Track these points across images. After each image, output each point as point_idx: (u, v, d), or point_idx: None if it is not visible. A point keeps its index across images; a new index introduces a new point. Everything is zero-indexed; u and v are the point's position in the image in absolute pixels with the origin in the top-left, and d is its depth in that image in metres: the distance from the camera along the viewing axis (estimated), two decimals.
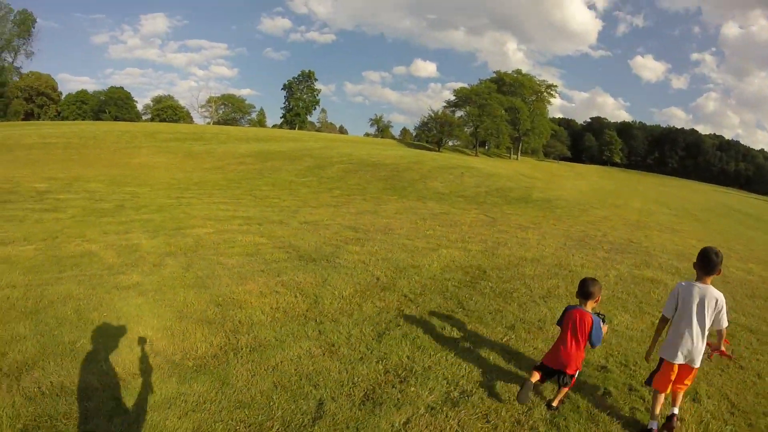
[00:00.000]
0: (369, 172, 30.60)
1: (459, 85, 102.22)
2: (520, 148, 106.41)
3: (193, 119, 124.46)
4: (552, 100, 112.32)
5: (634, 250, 14.26)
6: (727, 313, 4.66)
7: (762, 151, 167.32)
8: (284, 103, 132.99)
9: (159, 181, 22.66)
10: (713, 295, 4.58)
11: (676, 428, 4.80)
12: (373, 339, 6.40)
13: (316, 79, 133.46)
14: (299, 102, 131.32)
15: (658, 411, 4.82)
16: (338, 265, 9.52)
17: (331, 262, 9.76)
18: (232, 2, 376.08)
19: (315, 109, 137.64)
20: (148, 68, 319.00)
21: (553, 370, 5.09)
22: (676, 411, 4.93)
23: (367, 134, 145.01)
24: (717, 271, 4.60)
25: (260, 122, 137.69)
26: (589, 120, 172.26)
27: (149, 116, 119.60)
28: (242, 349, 5.87)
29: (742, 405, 5.65)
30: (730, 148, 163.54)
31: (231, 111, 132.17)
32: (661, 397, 4.85)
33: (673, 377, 4.78)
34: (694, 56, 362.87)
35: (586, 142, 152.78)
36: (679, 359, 4.69)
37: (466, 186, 27.98)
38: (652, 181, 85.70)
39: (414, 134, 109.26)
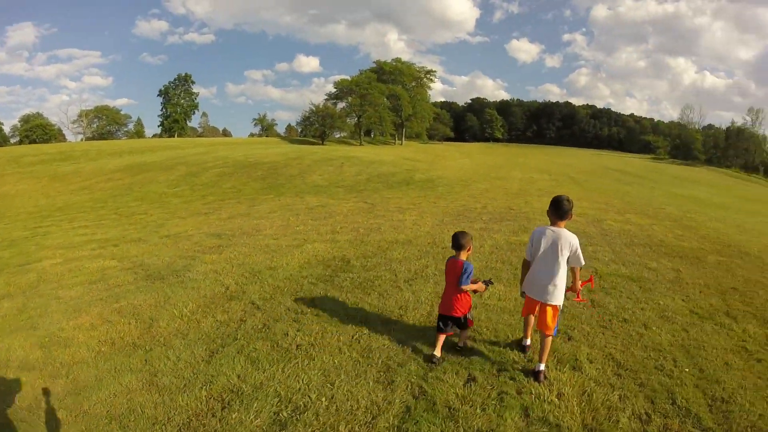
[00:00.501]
0: (246, 173, 29.21)
1: (342, 77, 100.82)
2: (403, 133, 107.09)
3: (66, 137, 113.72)
4: (432, 84, 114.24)
5: (513, 217, 14.11)
6: (582, 252, 4.95)
7: (632, 115, 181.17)
8: (161, 110, 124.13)
9: (19, 212, 20.61)
10: (566, 238, 4.88)
11: (541, 381, 4.88)
12: (203, 360, 5.44)
13: (193, 82, 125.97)
14: (177, 108, 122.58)
15: (530, 331, 5.37)
16: (187, 280, 8.40)
17: (180, 276, 8.62)
18: (105, 6, 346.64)
19: (194, 113, 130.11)
20: (15, 85, 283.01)
21: (446, 317, 5.40)
22: (542, 368, 4.98)
23: (251, 135, 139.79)
24: (568, 216, 4.96)
25: (138, 133, 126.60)
26: (470, 101, 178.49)
27: (18, 138, 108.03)
28: (58, 395, 4.92)
29: (630, 363, 5.23)
30: (603, 115, 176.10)
31: (106, 124, 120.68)
32: (531, 319, 5.36)
33: (531, 308, 5.18)
34: (566, 37, 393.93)
35: (468, 122, 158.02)
36: (535, 294, 5.06)
37: (346, 176, 27.36)
38: (533, 152, 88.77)
39: (299, 130, 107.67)
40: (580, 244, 4.95)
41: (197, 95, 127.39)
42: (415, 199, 18.51)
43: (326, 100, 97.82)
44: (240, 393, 4.73)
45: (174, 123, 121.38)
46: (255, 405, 4.51)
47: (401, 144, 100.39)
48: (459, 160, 51.72)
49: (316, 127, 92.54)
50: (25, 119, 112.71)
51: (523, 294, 5.32)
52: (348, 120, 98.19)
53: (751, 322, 6.74)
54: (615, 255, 10.11)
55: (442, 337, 5.39)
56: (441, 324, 5.43)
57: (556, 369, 5.07)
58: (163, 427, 4.25)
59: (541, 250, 4.96)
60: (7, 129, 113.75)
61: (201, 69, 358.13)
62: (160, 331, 6.32)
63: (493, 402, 4.53)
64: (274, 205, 18.33)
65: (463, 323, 5.41)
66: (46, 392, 4.95)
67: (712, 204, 26.47)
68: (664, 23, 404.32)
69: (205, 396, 4.70)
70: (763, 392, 4.80)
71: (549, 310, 4.94)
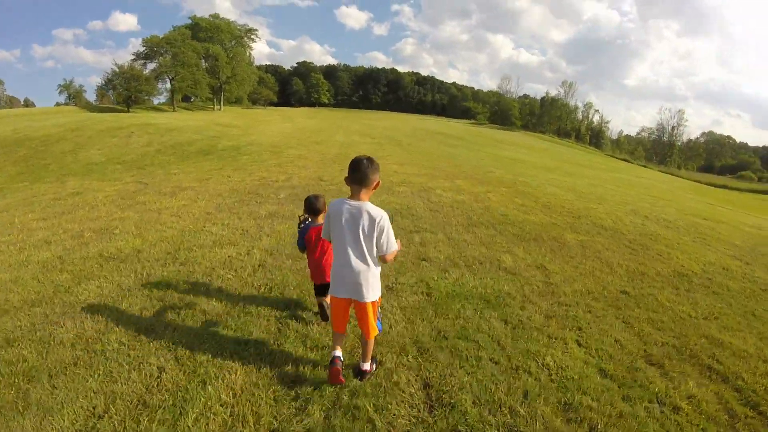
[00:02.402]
0: (4, 154, 22.82)
1: (153, 35, 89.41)
2: (222, 97, 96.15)
3: None
4: (255, 45, 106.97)
5: (323, 190, 10.85)
6: (393, 234, 3.68)
7: (454, 83, 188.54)
8: None
9: None
10: (370, 213, 3.59)
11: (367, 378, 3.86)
12: None
13: None
14: None
15: (339, 344, 3.94)
16: None
17: None
18: None
19: None
20: None
21: (323, 286, 4.69)
22: (366, 367, 3.92)
23: (57, 104, 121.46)
24: (372, 183, 3.65)
25: None
26: (296, 65, 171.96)
27: None
28: None
29: None
30: (427, 82, 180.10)
31: None
32: (339, 333, 3.97)
33: (344, 314, 3.89)
34: (394, 7, 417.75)
35: (294, 87, 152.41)
36: (341, 292, 3.78)
37: (133, 148, 22.53)
38: (358, 116, 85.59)
39: (111, 96, 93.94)
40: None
41: None
42: (206, 173, 14.58)
43: (133, 60, 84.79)
44: None
45: None
46: None
47: (219, 109, 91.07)
48: (279, 124, 47.10)
49: (119, 91, 78.60)
50: None
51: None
52: (159, 84, 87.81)
53: (688, 372, 4.36)
54: (453, 247, 7.19)
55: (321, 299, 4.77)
56: (319, 292, 4.77)
57: None
58: None
59: (340, 232, 3.67)
60: None
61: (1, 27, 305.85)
62: None
63: None
64: (16, 198, 13.22)
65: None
66: None
67: (537, 166, 25.54)
68: (487, 2, 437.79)
69: None
70: None
71: (368, 307, 3.75)
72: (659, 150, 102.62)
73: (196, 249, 6.70)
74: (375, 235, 3.59)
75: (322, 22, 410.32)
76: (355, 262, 3.66)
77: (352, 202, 3.63)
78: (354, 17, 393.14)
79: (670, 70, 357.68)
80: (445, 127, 62.52)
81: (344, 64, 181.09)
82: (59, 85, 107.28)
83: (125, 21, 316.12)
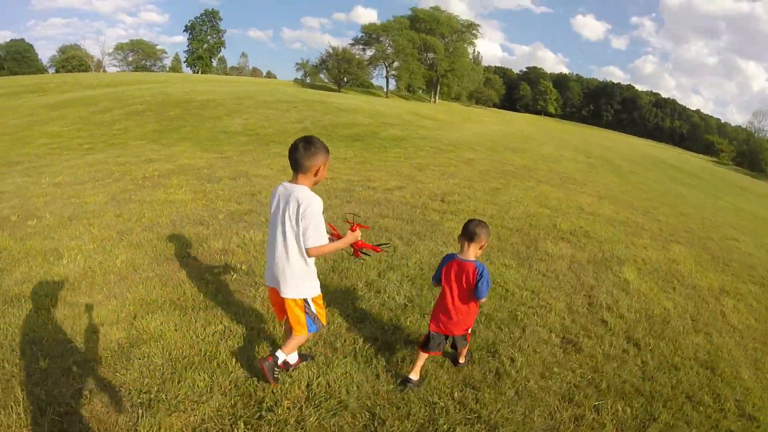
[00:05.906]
0: (158, 112, 21.94)
1: (371, 22, 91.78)
2: (438, 91, 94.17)
3: (107, 69, 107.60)
4: (489, 47, 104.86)
5: (412, 215, 6.58)
6: (323, 225, 3.06)
7: (698, 111, 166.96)
8: (187, 46, 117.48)
9: None
10: (297, 198, 3.02)
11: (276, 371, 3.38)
12: None
13: (220, 19, 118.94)
14: (202, 44, 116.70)
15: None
16: None
17: None
18: None
19: (219, 51, 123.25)
20: (73, 17, 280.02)
21: (442, 336, 3.75)
22: (280, 357, 3.37)
23: (295, 79, 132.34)
24: (307, 170, 3.05)
25: (174, 69, 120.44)
26: (525, 69, 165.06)
27: (54, 69, 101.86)
28: None
29: None
30: (667, 105, 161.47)
31: (141, 58, 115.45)
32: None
33: (277, 303, 3.46)
34: (635, 20, 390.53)
35: (521, 91, 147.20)
36: (269, 280, 3.38)
37: (280, 122, 20.32)
38: (582, 131, 77.02)
39: (322, 75, 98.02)
40: None
41: (224, 33, 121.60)
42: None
43: (351, 44, 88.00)
44: None
45: (198, 60, 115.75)
46: None
47: (433, 102, 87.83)
48: (489, 125, 42.57)
49: (331, 72, 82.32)
50: (63, 50, 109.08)
51: None
52: (374, 70, 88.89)
53: None
54: None
55: (425, 357, 3.73)
56: (431, 342, 3.67)
57: None
58: None
59: (271, 216, 3.25)
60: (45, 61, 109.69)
61: (258, 11, 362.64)
62: None
63: None
64: (95, 158, 11.34)
65: (462, 340, 3.75)
66: None
67: None
68: (738, 22, 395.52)
69: None
70: None
71: (288, 303, 3.28)
72: None
73: None
74: (300, 223, 3.02)
75: (556, 29, 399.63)
76: (279, 251, 3.17)
77: (287, 185, 3.14)
78: (590, 27, 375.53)
79: None
80: (680, 160, 52.86)
81: (576, 74, 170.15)
82: (296, 63, 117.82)
83: (366, 15, 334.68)
